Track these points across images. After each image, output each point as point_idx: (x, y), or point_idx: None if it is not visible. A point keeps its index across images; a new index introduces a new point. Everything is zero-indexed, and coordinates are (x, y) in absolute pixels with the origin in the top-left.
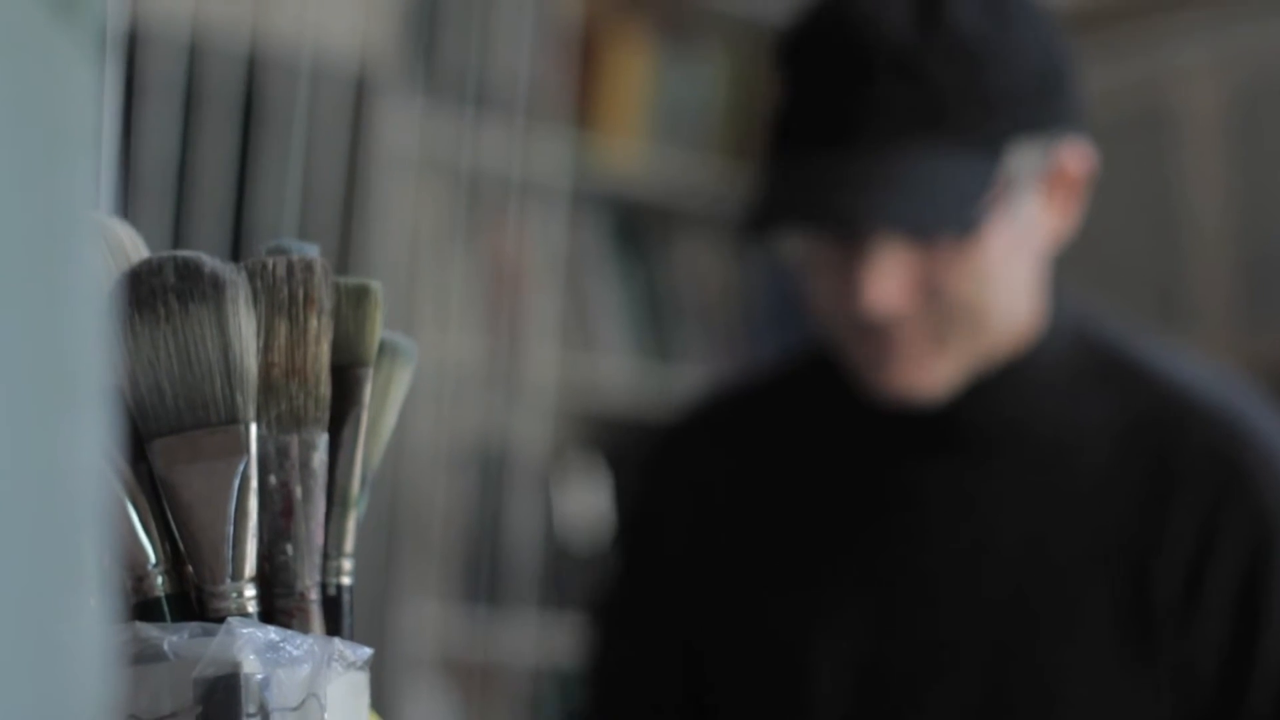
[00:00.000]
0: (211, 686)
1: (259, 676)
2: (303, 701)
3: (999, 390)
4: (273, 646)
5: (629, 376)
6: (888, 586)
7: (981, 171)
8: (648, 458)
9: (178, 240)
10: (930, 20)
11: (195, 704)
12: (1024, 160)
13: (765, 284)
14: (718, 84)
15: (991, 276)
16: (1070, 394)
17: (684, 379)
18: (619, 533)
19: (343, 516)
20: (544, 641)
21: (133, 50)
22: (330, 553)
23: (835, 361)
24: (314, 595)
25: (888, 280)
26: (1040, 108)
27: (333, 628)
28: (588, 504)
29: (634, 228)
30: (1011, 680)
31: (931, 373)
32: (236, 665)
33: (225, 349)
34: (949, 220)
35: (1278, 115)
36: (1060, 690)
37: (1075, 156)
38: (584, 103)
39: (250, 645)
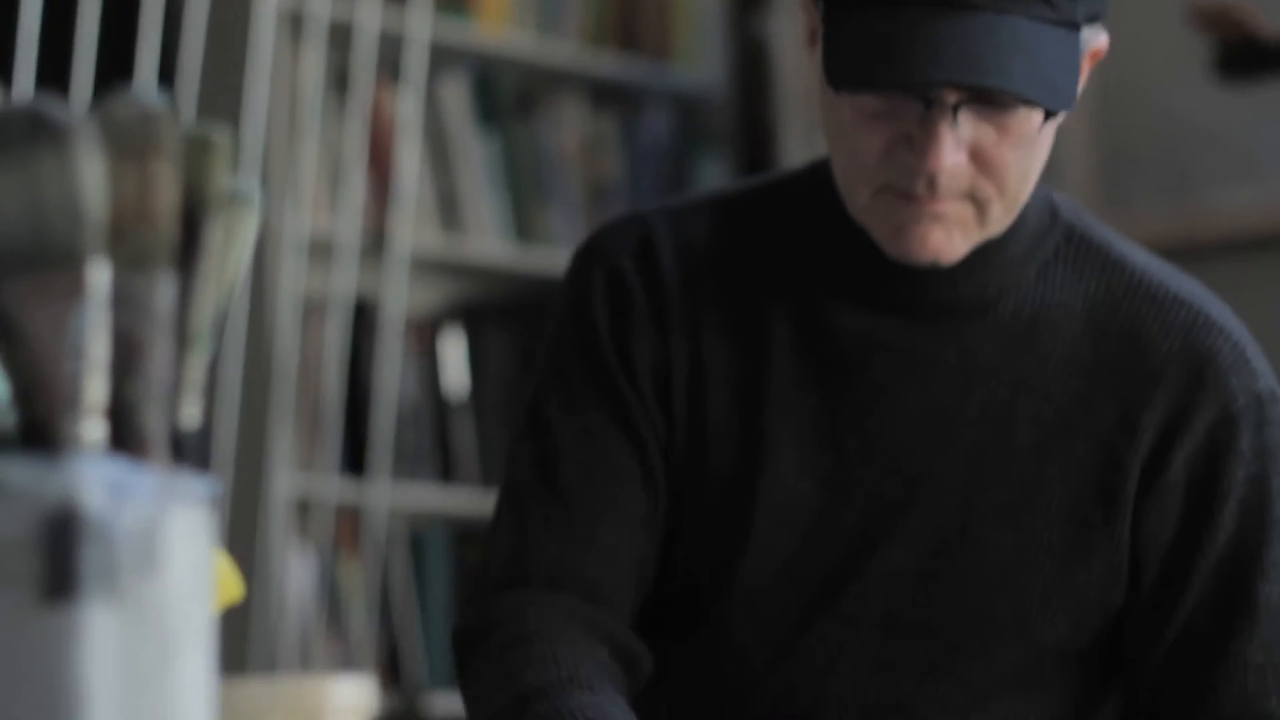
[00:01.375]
0: (53, 520)
1: (101, 510)
2: (145, 536)
3: (977, 263)
4: (116, 482)
5: (499, 242)
6: (840, 441)
7: (1073, 49)
8: (597, 246)
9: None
10: None
11: (36, 537)
12: (1085, 43)
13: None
14: None
15: (1038, 158)
16: (1042, 272)
17: (552, 248)
18: (560, 330)
19: (190, 357)
20: (407, 498)
21: None
22: (178, 392)
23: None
24: (160, 433)
25: (960, 147)
26: None
27: (179, 466)
28: (457, 366)
29: (501, 96)
30: (956, 554)
31: (958, 245)
32: (78, 499)
33: (71, 193)
34: (1060, 94)
35: None
36: (1006, 570)
37: (1101, 44)
38: None
39: (93, 479)
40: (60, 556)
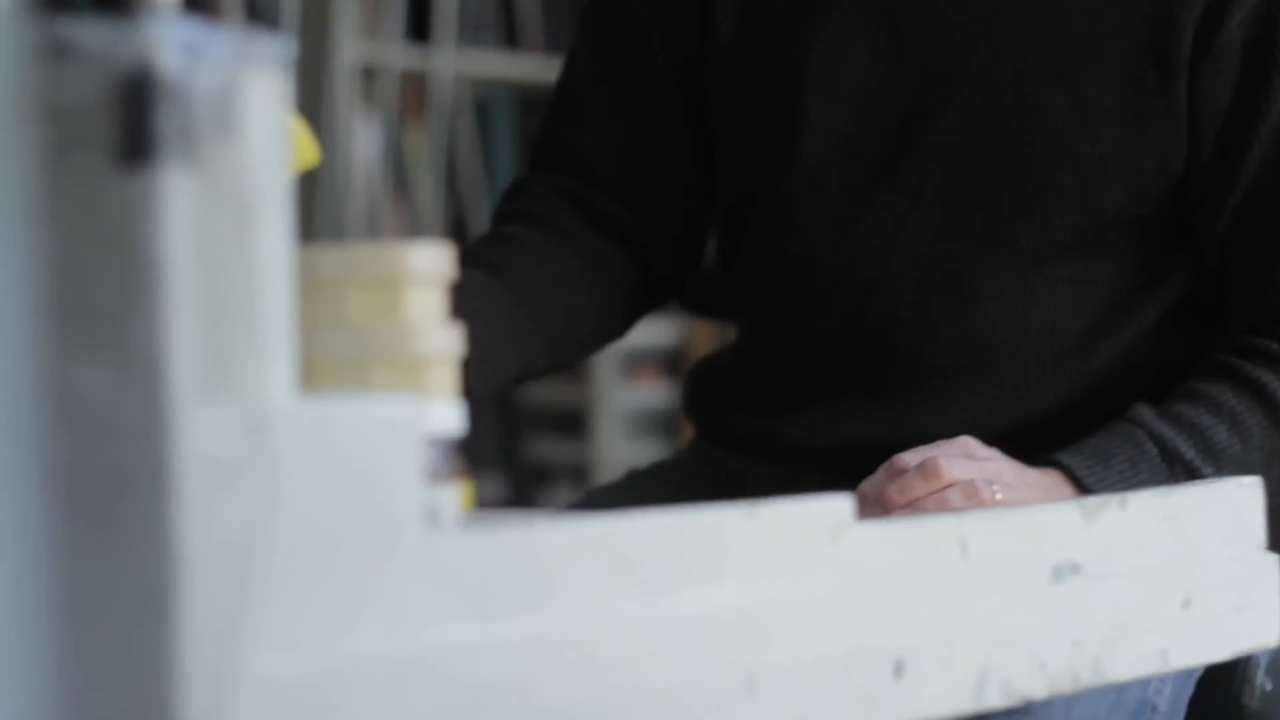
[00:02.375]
0: (127, 82)
1: (177, 71)
2: (222, 99)
3: None
4: (191, 42)
5: None
6: (892, 9)
7: None
8: None
9: None
10: None
11: (110, 100)
12: None
13: None
14: None
15: None
16: None
17: None
18: None
19: None
20: (473, 64)
21: None
22: None
23: None
24: None
25: None
26: None
27: (253, 29)
28: None
29: None
30: (1012, 120)
31: None
32: (153, 60)
33: None
34: None
35: None
36: (1062, 135)
37: None
38: None
39: (168, 39)
40: (136, 119)
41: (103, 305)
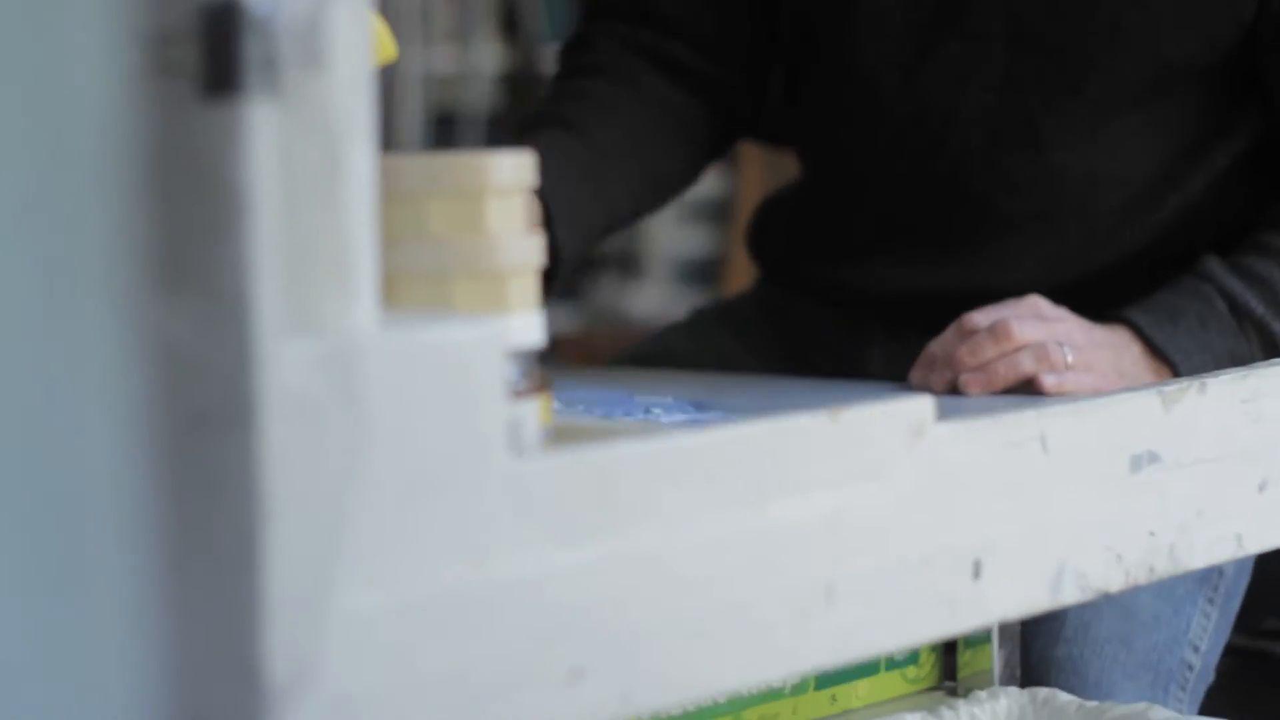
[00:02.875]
0: (212, 13)
1: (261, 3)
2: (307, 29)
3: None
4: None
5: None
6: None
7: None
8: None
9: None
10: None
11: (195, 28)
12: None
13: None
14: None
15: None
16: None
17: None
18: None
19: None
20: None
21: None
22: None
23: None
24: None
25: None
26: None
27: None
28: None
29: None
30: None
31: None
32: None
33: None
34: None
35: None
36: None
37: None
38: None
39: None
40: (221, 50)
41: (187, 240)
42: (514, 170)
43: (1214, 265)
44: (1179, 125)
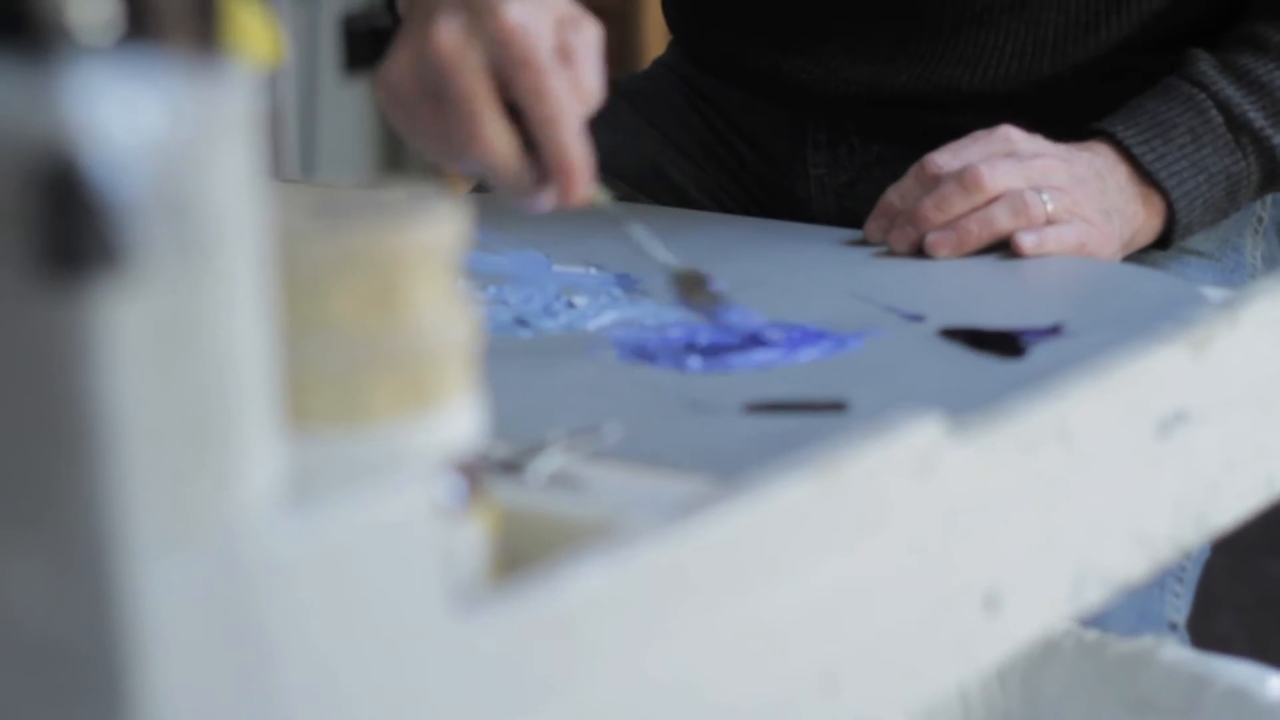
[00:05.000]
0: (45, 184)
1: (107, 160)
2: (172, 182)
3: None
4: (127, 99)
5: None
6: None
7: None
8: None
9: None
10: None
11: (18, 209)
12: None
13: None
14: None
15: None
16: None
17: None
18: None
19: None
20: None
21: None
22: None
23: None
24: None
25: None
26: None
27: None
28: None
29: None
30: None
31: None
32: (73, 149)
33: None
34: None
35: None
36: None
37: None
38: None
39: (94, 106)
40: (56, 226)
41: (25, 464)
42: (432, 229)
43: (1207, 66)
44: None
